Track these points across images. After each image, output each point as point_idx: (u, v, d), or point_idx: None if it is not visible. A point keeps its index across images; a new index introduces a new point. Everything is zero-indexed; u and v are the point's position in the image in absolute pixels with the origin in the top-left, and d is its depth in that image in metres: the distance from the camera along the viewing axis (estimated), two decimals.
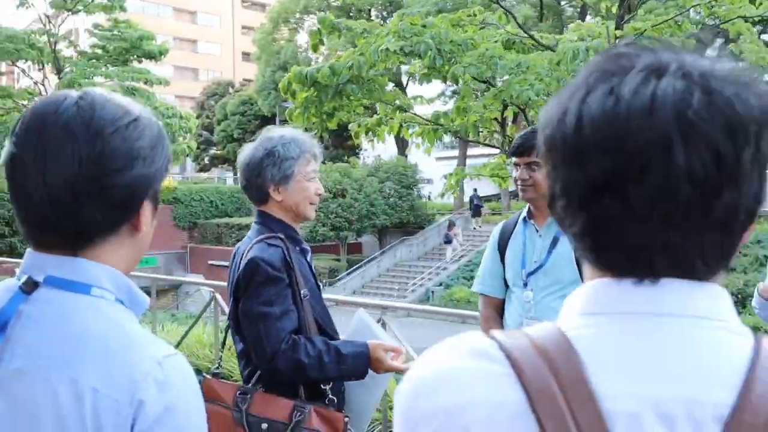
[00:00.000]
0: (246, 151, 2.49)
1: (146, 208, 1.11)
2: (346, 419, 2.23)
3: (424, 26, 7.37)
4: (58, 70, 14.84)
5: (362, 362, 2.28)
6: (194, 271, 35.51)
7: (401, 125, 8.16)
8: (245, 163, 2.46)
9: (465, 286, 27.56)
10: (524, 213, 3.05)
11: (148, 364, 0.99)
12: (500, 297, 3.07)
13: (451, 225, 31.47)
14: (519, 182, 2.94)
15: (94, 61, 15.47)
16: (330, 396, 2.28)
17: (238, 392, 2.27)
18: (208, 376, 2.38)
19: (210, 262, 34.16)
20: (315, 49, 7.87)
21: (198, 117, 47.37)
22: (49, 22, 14.62)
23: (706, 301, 0.78)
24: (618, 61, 0.77)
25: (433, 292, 28.29)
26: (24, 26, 15.02)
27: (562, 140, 0.78)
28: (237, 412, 2.26)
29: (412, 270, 30.93)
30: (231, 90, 50.24)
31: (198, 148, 54.26)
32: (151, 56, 16.15)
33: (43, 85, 15.24)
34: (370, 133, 7.85)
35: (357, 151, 42.76)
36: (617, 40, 7.73)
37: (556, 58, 6.02)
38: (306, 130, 8.21)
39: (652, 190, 0.73)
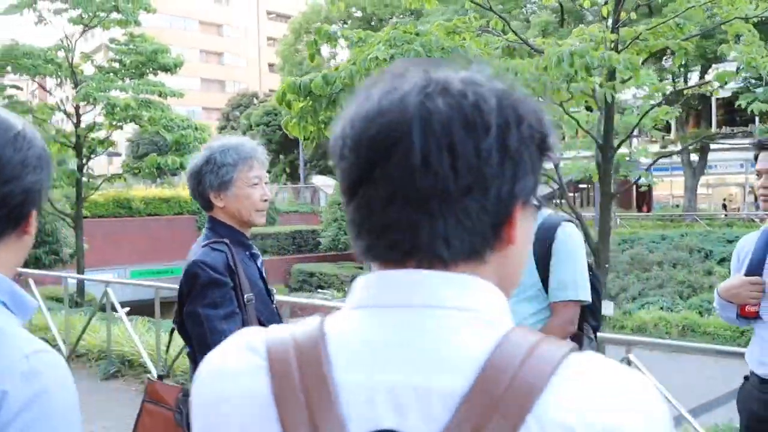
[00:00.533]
0: (191, 161, 2.56)
1: (34, 214, 1.15)
2: None
3: (417, 34, 7.41)
4: (76, 85, 15.09)
5: None
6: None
7: None
8: (188, 172, 2.53)
9: None
10: None
11: (14, 358, 1.01)
12: None
13: None
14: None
15: (110, 75, 15.68)
16: None
17: (180, 394, 2.31)
18: (152, 379, 2.42)
19: None
20: (312, 59, 7.96)
21: (224, 128, 47.89)
22: (67, 38, 14.90)
23: (454, 292, 0.82)
24: (385, 75, 0.84)
25: None
26: (50, 44, 15.27)
27: (334, 142, 0.85)
28: (178, 413, 2.30)
29: None
30: (256, 101, 50.63)
31: None
32: (166, 69, 16.34)
33: (62, 100, 15.52)
34: None
35: None
36: (612, 44, 7.71)
37: (543, 63, 6.03)
38: (305, 139, 8.32)
39: (396, 175, 0.79)
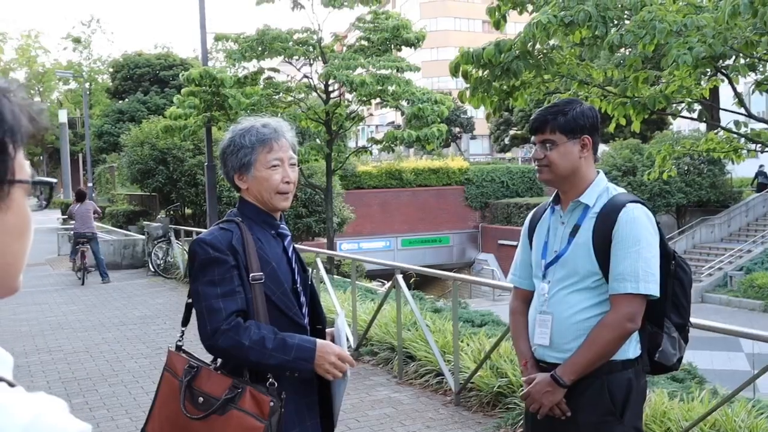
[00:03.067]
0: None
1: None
2: (272, 403, 2.27)
3: None
4: (325, 63, 16.05)
5: (307, 356, 2.29)
6: (485, 250, 36.28)
7: (601, 100, 7.62)
8: (219, 153, 2.63)
9: None
10: (552, 197, 2.83)
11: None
12: (530, 289, 2.88)
13: None
14: (535, 162, 2.76)
15: (356, 53, 16.44)
16: (271, 380, 2.31)
17: (186, 365, 2.44)
18: (171, 349, 2.57)
19: (500, 241, 34.64)
20: (497, 26, 7.66)
21: None
22: (317, 20, 15.86)
23: None
24: None
25: (731, 277, 25.69)
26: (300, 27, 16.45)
27: None
28: (181, 383, 2.43)
29: (712, 252, 28.37)
30: None
31: (498, 128, 55.16)
32: (409, 44, 16.73)
33: (310, 77, 16.60)
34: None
35: (663, 126, 39.95)
36: None
37: (720, 14, 5.15)
38: (494, 111, 8.09)
39: None
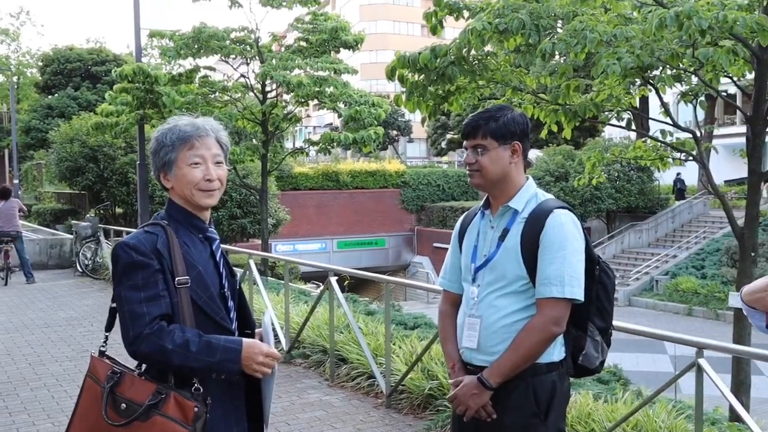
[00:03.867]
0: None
1: None
2: (196, 409, 2.21)
3: (537, 0, 6.91)
4: (262, 63, 15.90)
5: (233, 357, 2.24)
6: (421, 252, 36.52)
7: (533, 107, 7.75)
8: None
9: (693, 276, 25.52)
10: (482, 202, 2.85)
11: None
12: (459, 293, 2.89)
13: None
14: (466, 166, 2.76)
15: (293, 54, 16.33)
16: (196, 385, 2.26)
17: (109, 371, 2.35)
18: (94, 354, 2.48)
19: (435, 244, 34.92)
20: (434, 31, 7.73)
21: None
22: (255, 19, 15.71)
23: None
24: None
25: (657, 281, 26.49)
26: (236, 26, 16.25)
27: None
28: (104, 389, 2.35)
29: (639, 257, 29.22)
30: None
31: (435, 132, 55.64)
32: (347, 46, 16.71)
33: (247, 77, 16.43)
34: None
35: (595, 133, 40.91)
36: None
37: (647, 26, 5.30)
38: (430, 115, 8.14)
39: None
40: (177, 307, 2.28)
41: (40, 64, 46.91)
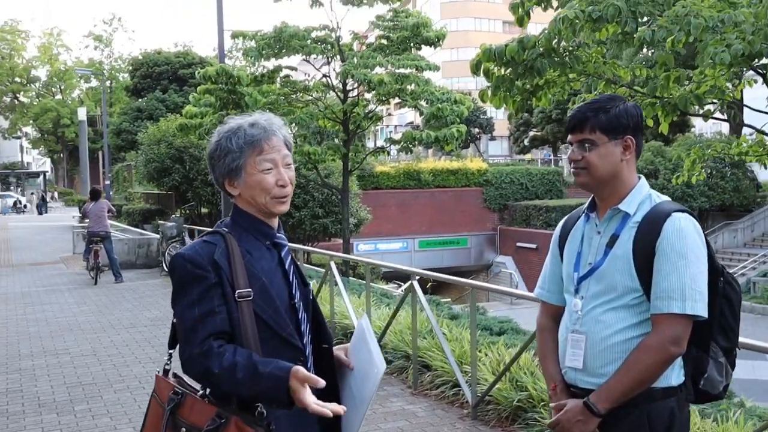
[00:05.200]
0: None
1: None
2: None
3: None
4: (343, 62, 15.82)
5: (279, 386, 1.95)
6: (503, 252, 35.93)
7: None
8: (206, 157, 2.37)
9: None
10: (587, 204, 2.54)
11: None
12: (559, 304, 2.59)
13: None
14: (571, 164, 2.46)
15: (375, 51, 16.20)
16: (260, 409, 2.05)
17: (171, 392, 2.19)
18: (159, 373, 2.33)
19: (518, 243, 34.28)
20: (521, 22, 7.37)
21: None
22: (336, 17, 15.62)
23: None
24: None
25: (755, 283, 25.20)
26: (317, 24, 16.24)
27: None
28: (165, 411, 2.19)
29: (734, 258, 27.90)
30: None
31: (518, 130, 54.75)
32: (429, 43, 16.48)
33: (329, 76, 16.37)
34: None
35: (685, 128, 39.39)
36: None
37: (761, 9, 4.81)
38: (516, 111, 7.79)
39: None
40: (238, 322, 2.07)
41: (131, 68, 48.49)
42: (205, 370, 1.98)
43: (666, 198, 2.44)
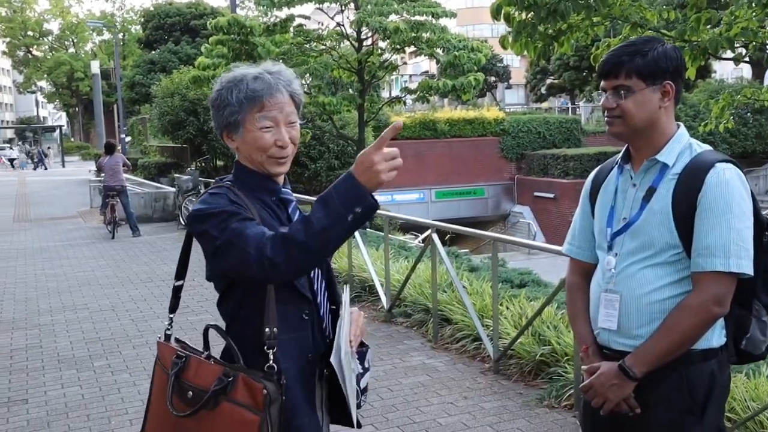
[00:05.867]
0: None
1: None
2: (265, 391, 1.90)
3: None
4: (357, 10, 15.50)
5: (351, 185, 1.73)
6: (521, 202, 35.70)
7: None
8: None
9: None
10: (620, 154, 2.38)
11: None
12: (590, 261, 2.46)
13: None
14: (604, 112, 2.30)
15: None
16: (270, 363, 1.95)
17: (174, 356, 2.10)
18: (160, 339, 2.25)
19: (536, 193, 34.01)
20: None
21: None
22: None
23: None
24: None
25: None
26: None
27: None
28: (169, 376, 2.10)
29: None
30: None
31: (535, 78, 53.97)
32: None
33: (343, 25, 16.05)
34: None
35: (706, 74, 38.58)
36: None
37: None
38: (538, 57, 7.53)
39: None
40: None
41: (142, 20, 48.05)
42: (281, 238, 1.79)
43: (707, 147, 2.28)
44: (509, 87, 65.48)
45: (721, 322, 2.20)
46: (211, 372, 1.96)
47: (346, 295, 2.12)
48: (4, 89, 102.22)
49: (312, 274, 2.11)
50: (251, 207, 2.00)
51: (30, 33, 71.60)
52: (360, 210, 1.74)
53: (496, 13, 6.77)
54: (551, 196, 32.55)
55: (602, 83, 2.27)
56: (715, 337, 2.21)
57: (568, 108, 52.94)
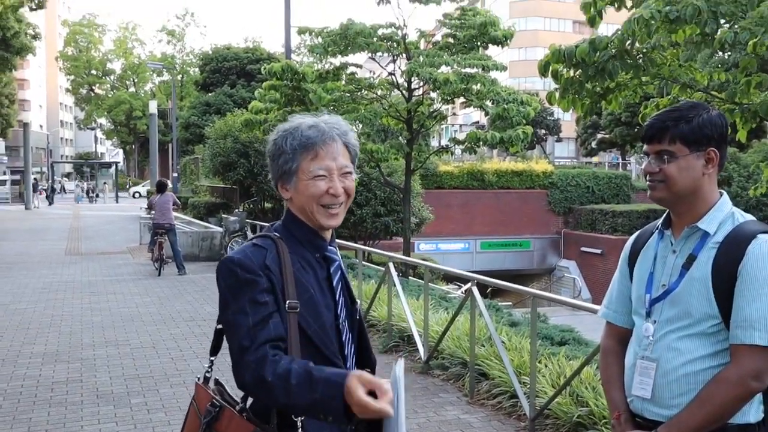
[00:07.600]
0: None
1: None
2: None
3: None
4: (409, 60, 15.71)
5: (335, 392, 1.75)
6: (567, 256, 35.27)
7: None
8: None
9: None
10: (661, 220, 2.36)
11: None
12: (626, 326, 2.42)
13: None
14: (647, 177, 2.28)
15: (441, 50, 16.04)
16: (300, 429, 1.93)
17: (209, 404, 2.11)
18: (198, 381, 2.26)
19: (582, 248, 33.59)
20: (592, 22, 7.10)
21: None
22: (402, 15, 15.55)
23: None
24: None
25: None
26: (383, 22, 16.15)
27: None
28: (201, 423, 2.11)
29: None
30: None
31: (585, 132, 53.73)
32: (496, 42, 16.23)
33: (394, 74, 16.27)
34: None
35: (761, 135, 37.96)
36: None
37: None
38: (585, 114, 7.54)
39: None
40: (285, 332, 1.93)
41: (201, 63, 49.38)
42: (260, 379, 1.82)
43: (750, 217, 2.24)
44: (559, 140, 65.29)
45: (759, 397, 2.14)
46: (242, 428, 1.94)
47: (400, 370, 1.94)
48: (65, 125, 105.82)
49: (343, 337, 2.07)
50: (287, 271, 1.98)
51: (93, 72, 74.21)
52: (326, 413, 1.79)
53: (543, 70, 6.82)
54: (598, 251, 32.10)
55: (645, 147, 2.26)
56: (753, 412, 2.14)
57: (618, 163, 52.50)
